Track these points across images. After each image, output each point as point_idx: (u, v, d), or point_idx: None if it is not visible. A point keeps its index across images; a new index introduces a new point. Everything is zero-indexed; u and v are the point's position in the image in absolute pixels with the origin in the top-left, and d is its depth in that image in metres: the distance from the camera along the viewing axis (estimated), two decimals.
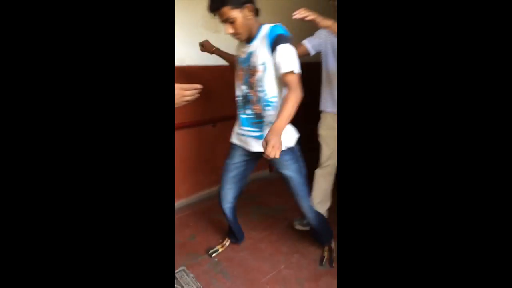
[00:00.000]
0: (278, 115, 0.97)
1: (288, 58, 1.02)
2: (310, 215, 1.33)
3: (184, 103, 0.91)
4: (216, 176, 1.31)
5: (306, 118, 1.49)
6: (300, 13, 1.09)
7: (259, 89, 1.13)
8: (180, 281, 1.34)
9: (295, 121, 1.07)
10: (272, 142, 0.88)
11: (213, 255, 1.51)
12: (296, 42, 1.20)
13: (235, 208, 1.46)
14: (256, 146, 1.21)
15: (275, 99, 1.12)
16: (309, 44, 1.46)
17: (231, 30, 1.07)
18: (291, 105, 0.97)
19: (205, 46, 1.46)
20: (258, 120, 1.18)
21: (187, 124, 1.83)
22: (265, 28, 1.10)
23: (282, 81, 1.08)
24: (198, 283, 1.32)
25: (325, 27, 1.14)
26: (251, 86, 1.15)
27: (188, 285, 1.31)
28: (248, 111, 1.20)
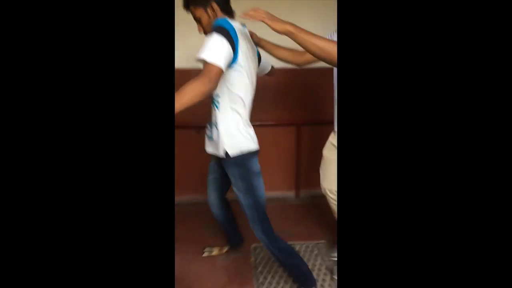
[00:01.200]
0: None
1: (206, 46, 0.90)
2: (264, 242, 1.14)
3: None
4: None
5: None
6: (248, 14, 0.86)
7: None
8: (320, 250, 1.52)
9: None
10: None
11: (204, 254, 1.50)
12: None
13: (226, 212, 1.38)
14: (208, 145, 1.15)
15: (219, 99, 1.03)
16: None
17: (200, 30, 1.06)
18: (188, 88, 0.83)
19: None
20: (211, 118, 1.10)
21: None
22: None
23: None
24: (335, 253, 1.44)
25: (282, 33, 0.84)
26: None
27: (327, 256, 1.46)
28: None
